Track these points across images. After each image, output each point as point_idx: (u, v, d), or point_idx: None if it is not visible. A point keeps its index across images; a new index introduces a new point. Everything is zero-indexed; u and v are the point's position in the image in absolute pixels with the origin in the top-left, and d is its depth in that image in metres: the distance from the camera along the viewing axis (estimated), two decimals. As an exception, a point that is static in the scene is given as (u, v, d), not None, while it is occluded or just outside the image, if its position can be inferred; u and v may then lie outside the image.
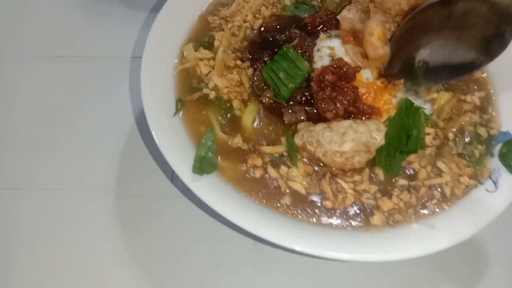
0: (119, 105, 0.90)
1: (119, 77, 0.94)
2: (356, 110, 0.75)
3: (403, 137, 0.72)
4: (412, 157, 0.74)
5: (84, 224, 0.79)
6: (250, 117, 0.77)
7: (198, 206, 0.79)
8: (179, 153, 0.71)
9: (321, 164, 0.73)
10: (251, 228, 0.65)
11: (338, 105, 0.72)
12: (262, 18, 0.88)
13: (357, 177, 0.72)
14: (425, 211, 0.70)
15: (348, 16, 0.81)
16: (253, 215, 0.68)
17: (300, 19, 0.86)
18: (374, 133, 0.71)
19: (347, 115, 0.74)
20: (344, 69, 0.75)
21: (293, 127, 0.76)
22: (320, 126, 0.72)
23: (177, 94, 0.79)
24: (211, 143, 0.72)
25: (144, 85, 0.75)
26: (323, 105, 0.73)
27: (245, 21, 0.87)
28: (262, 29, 0.86)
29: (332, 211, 0.70)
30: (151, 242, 0.78)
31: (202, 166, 0.69)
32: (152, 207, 0.81)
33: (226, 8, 0.89)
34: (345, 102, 0.73)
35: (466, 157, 0.75)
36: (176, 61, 0.82)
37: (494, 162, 0.74)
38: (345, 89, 0.73)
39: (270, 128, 0.77)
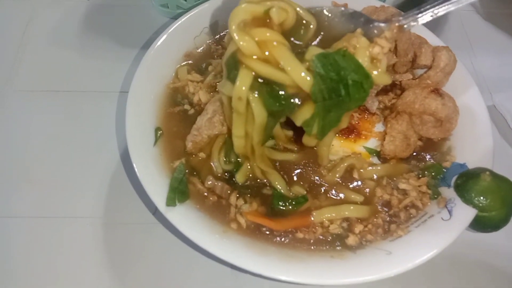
0: (107, 138, 0.96)
1: (108, 110, 0.99)
2: None
3: (340, 90, 0.67)
4: (378, 191, 0.81)
5: (70, 250, 0.83)
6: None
7: (177, 235, 0.84)
8: (157, 183, 0.76)
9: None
10: (223, 255, 0.70)
11: None
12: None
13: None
14: (385, 238, 0.76)
15: None
16: (225, 242, 0.73)
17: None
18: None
19: None
20: None
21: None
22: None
23: (159, 117, 0.86)
24: (182, 176, 0.78)
25: (129, 119, 0.81)
26: None
27: None
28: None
29: (304, 241, 0.76)
30: (132, 268, 0.82)
31: (175, 197, 0.75)
32: (135, 235, 0.85)
33: None
34: None
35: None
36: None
37: (450, 193, 0.79)
38: None
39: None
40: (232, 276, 0.82)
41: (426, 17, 0.73)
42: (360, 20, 0.75)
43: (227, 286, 0.81)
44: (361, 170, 0.83)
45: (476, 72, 1.10)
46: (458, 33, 1.21)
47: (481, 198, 0.75)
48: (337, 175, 0.82)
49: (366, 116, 0.86)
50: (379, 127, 0.86)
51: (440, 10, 0.73)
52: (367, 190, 0.82)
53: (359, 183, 0.82)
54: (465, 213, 0.75)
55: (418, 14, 0.73)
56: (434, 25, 1.07)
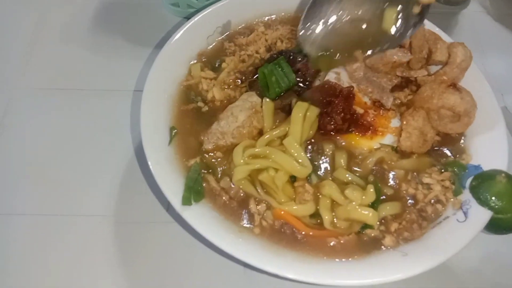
0: (120, 136, 0.96)
1: (121, 109, 0.99)
2: (355, 122, 0.84)
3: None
4: (403, 186, 0.81)
5: (83, 247, 0.84)
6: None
7: (191, 234, 0.84)
8: (172, 182, 0.76)
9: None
10: (240, 255, 0.70)
11: (334, 115, 0.81)
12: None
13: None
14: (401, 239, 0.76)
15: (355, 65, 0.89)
16: (241, 242, 0.73)
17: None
18: (249, 98, 0.85)
19: (347, 127, 0.83)
20: (337, 88, 0.83)
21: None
22: (213, 125, 0.83)
23: (172, 115, 0.86)
24: (197, 175, 0.79)
25: (144, 117, 0.81)
26: (321, 122, 0.82)
27: (257, 52, 0.95)
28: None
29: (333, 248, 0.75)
30: (145, 267, 0.82)
31: (191, 196, 0.75)
32: (148, 233, 0.85)
33: (243, 37, 0.97)
34: (339, 112, 0.81)
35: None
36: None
37: (465, 195, 0.79)
38: (337, 102, 0.81)
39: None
40: (245, 275, 0.82)
41: None
42: None
43: (240, 284, 0.82)
44: (392, 163, 0.83)
45: (487, 73, 1.09)
46: (469, 34, 1.21)
47: (497, 200, 0.75)
48: (370, 166, 0.82)
49: (381, 112, 0.86)
50: (395, 123, 0.86)
51: None
52: (394, 183, 0.82)
53: (390, 175, 0.82)
54: (480, 215, 0.75)
55: None
56: (445, 26, 1.08)
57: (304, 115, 0.80)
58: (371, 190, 0.75)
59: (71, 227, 0.85)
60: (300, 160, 0.77)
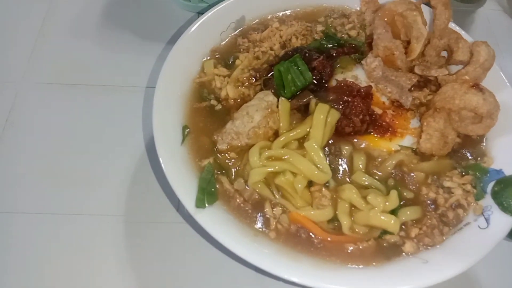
0: (131, 133, 0.94)
1: (133, 106, 0.97)
2: (374, 123, 0.82)
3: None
4: (423, 190, 0.79)
5: (92, 247, 0.82)
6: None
7: (201, 234, 0.82)
8: (185, 182, 0.74)
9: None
10: (256, 260, 0.68)
11: (353, 117, 0.79)
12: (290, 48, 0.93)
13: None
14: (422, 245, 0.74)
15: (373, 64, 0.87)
16: (256, 246, 0.71)
17: (326, 50, 0.91)
18: (265, 98, 0.81)
19: (366, 128, 0.81)
20: (354, 87, 0.82)
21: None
22: (227, 124, 0.81)
23: (185, 113, 0.84)
24: (210, 176, 0.76)
25: (156, 115, 0.78)
26: (339, 124, 0.80)
27: (271, 49, 0.93)
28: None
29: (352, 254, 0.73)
30: (155, 267, 0.81)
31: (204, 198, 0.73)
32: (157, 234, 0.84)
33: (257, 32, 0.95)
34: (358, 113, 0.79)
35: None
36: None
37: (486, 200, 0.77)
38: (355, 103, 0.80)
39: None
40: (256, 279, 0.80)
41: None
42: None
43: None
44: (412, 165, 0.80)
45: (504, 74, 1.07)
46: (485, 32, 1.19)
47: (520, 206, 0.73)
48: (389, 169, 0.79)
49: (400, 112, 0.84)
50: (414, 123, 0.84)
51: None
52: (414, 187, 0.79)
53: (410, 178, 0.80)
54: (503, 222, 0.73)
55: None
56: (460, 24, 1.05)
57: (326, 117, 0.78)
58: (395, 196, 0.73)
59: (80, 226, 0.84)
60: (319, 166, 0.75)
